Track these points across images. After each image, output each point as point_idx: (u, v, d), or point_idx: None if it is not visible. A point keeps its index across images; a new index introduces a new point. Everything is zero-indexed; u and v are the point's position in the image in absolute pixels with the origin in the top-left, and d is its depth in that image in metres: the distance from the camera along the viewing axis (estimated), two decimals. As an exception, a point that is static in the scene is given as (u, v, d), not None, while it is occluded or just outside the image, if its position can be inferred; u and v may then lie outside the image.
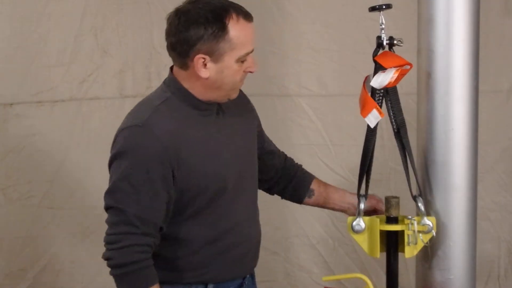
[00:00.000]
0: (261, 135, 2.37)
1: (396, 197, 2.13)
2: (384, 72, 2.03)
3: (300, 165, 2.46)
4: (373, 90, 2.07)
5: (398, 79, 2.03)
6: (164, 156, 2.01)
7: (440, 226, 2.08)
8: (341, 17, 3.27)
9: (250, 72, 2.10)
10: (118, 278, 2.03)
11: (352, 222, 2.14)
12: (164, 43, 2.12)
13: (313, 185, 2.41)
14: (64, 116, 3.32)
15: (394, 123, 2.10)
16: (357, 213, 2.15)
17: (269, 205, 3.18)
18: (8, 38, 3.23)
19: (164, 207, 2.04)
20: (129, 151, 2.02)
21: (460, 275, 2.10)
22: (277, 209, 3.33)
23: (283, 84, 3.36)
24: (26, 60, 3.25)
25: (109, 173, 2.08)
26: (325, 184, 2.42)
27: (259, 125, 2.38)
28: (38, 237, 3.34)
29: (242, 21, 2.03)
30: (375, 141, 2.11)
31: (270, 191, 2.44)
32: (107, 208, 2.05)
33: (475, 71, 2.06)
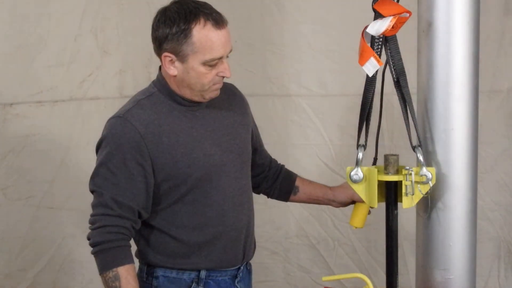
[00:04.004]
0: (253, 134, 2.42)
1: (395, 155, 2.12)
2: (381, 19, 2.01)
3: (283, 165, 2.55)
4: (372, 39, 2.05)
5: (397, 27, 2.01)
6: (141, 144, 2.13)
7: (440, 225, 2.08)
8: (341, 17, 3.27)
9: (224, 76, 2.17)
10: (95, 257, 2.15)
11: (351, 172, 2.12)
12: (164, 43, 2.14)
13: (297, 182, 2.51)
14: (64, 116, 3.33)
15: (393, 72, 2.08)
16: (355, 163, 2.12)
17: (269, 205, 3.19)
18: (8, 38, 3.23)
19: (142, 193, 2.15)
20: (109, 140, 2.16)
21: (460, 275, 2.09)
22: (277, 209, 3.34)
23: (283, 84, 3.36)
24: (26, 60, 3.25)
25: None
26: (308, 181, 2.53)
27: (253, 123, 2.43)
28: (38, 237, 3.34)
29: (209, 28, 2.10)
30: (374, 90, 2.09)
31: (256, 189, 2.49)
32: (91, 192, 2.18)
33: (475, 71, 2.06)
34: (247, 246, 2.32)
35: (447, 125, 2.05)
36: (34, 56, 3.26)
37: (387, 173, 2.12)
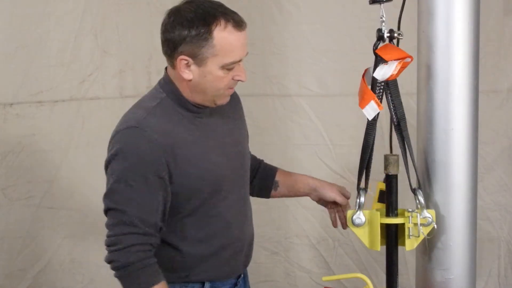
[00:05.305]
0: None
1: (395, 155, 2.11)
2: (386, 64, 2.02)
3: (262, 160, 2.46)
4: (374, 83, 2.06)
5: (399, 72, 2.03)
6: (160, 157, 2.02)
7: (440, 226, 2.08)
8: (341, 17, 3.27)
9: (239, 80, 2.08)
10: (123, 279, 2.03)
11: (352, 216, 2.11)
12: (164, 43, 2.12)
13: (277, 177, 2.42)
14: (64, 116, 3.33)
15: (394, 116, 2.09)
16: (357, 207, 2.11)
17: (269, 205, 3.19)
18: (8, 38, 3.23)
19: (162, 208, 2.05)
20: (126, 153, 2.02)
21: (460, 275, 2.09)
22: (277, 209, 3.34)
23: (283, 84, 3.36)
24: (26, 60, 3.25)
25: (106, 175, 2.07)
26: (288, 173, 2.44)
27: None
28: (38, 237, 3.34)
29: (230, 29, 2.01)
30: (375, 135, 2.09)
31: None
32: (107, 210, 2.05)
33: (475, 71, 2.06)
34: (248, 256, 2.29)
35: (447, 125, 2.05)
36: (34, 56, 3.26)
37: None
